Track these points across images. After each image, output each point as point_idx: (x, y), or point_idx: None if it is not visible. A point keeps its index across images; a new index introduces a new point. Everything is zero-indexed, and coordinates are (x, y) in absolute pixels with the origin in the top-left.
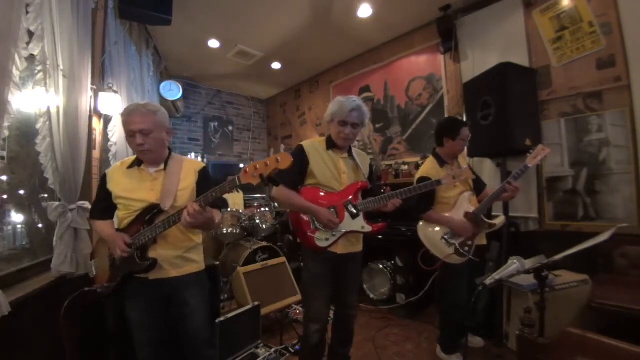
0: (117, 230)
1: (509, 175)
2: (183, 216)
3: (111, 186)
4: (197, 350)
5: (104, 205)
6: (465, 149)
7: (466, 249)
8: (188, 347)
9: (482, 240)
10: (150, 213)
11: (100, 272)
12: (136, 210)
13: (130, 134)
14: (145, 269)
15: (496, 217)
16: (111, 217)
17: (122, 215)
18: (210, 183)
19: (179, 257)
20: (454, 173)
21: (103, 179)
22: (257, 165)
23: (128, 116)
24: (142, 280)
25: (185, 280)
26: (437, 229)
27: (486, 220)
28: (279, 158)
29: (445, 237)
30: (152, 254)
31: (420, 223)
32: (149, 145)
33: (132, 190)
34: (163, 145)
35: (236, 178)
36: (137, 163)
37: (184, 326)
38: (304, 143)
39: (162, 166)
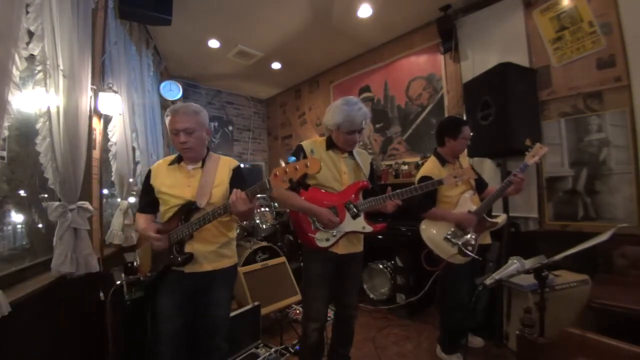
0: (159, 224)
1: (509, 175)
2: (230, 200)
3: (154, 182)
4: (212, 341)
5: (148, 200)
6: (466, 149)
7: (469, 248)
8: (205, 337)
9: (485, 239)
10: (187, 210)
11: (143, 263)
12: (174, 205)
13: (174, 132)
14: (182, 262)
15: (497, 216)
16: (155, 211)
17: (163, 210)
18: (243, 180)
19: (213, 252)
20: (456, 173)
21: (148, 175)
22: (287, 170)
23: (173, 115)
24: (178, 273)
25: (218, 275)
26: (440, 229)
27: (488, 219)
28: (308, 163)
29: (448, 236)
30: (188, 248)
31: (423, 225)
32: (191, 144)
33: (170, 186)
34: (203, 144)
35: (266, 182)
36: (178, 160)
37: (206, 316)
38: (304, 143)
39: (200, 164)
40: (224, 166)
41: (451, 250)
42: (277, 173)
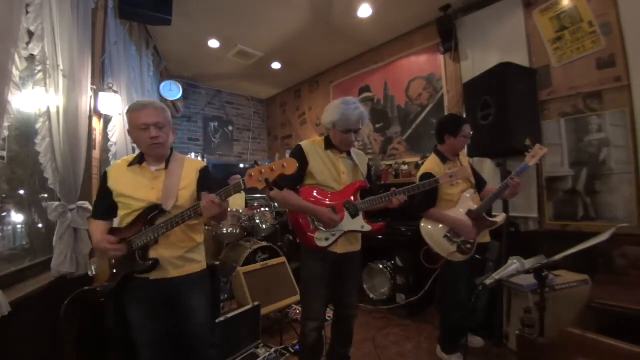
0: (118, 229)
1: (509, 175)
2: (202, 206)
3: (111, 184)
4: (197, 350)
5: (105, 204)
6: (466, 148)
7: (468, 246)
8: (189, 347)
9: (485, 237)
10: (152, 213)
11: (101, 272)
12: (136, 209)
13: (143, 127)
14: (147, 269)
15: (496, 216)
16: (112, 217)
17: (123, 214)
18: (210, 181)
19: (180, 257)
20: (452, 172)
21: (104, 177)
22: (263, 170)
23: (141, 110)
24: (143, 281)
25: (186, 281)
26: (440, 226)
27: (488, 218)
28: (285, 164)
29: (448, 234)
30: (153, 254)
31: (422, 222)
32: (163, 139)
33: (132, 188)
34: (170, 142)
35: (241, 182)
36: (139, 161)
37: (185, 326)
38: (303, 143)
39: (164, 165)
40: (190, 167)
41: (450, 248)
42: (252, 174)
